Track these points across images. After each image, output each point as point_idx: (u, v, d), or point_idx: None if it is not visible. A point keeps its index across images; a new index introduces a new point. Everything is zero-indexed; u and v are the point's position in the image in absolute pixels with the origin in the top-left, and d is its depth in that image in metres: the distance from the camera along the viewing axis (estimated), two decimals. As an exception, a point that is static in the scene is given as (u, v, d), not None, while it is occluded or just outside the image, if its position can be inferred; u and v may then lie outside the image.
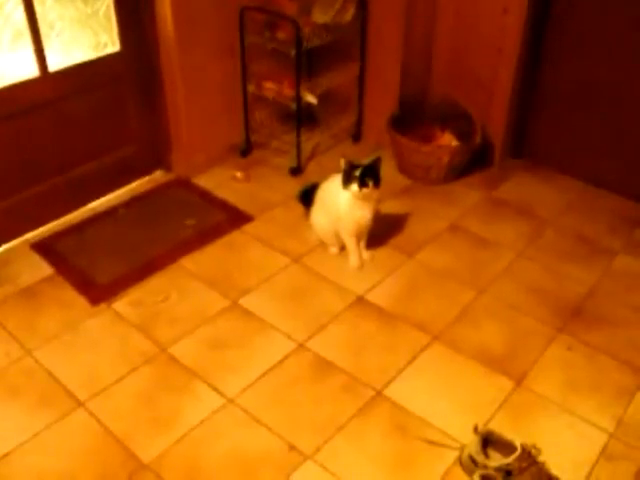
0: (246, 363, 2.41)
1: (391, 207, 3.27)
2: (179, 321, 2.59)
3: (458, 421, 2.20)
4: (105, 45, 3.11)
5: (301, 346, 2.49)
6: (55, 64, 2.89)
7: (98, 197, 3.29)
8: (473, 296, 2.75)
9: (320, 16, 3.31)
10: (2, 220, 2.94)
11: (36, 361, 2.41)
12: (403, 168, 3.53)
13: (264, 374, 2.37)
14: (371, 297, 2.73)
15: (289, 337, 2.52)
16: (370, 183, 2.64)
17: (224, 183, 3.45)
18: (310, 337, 2.52)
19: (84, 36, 3.05)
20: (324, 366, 2.41)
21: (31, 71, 2.83)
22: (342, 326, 2.59)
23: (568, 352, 2.49)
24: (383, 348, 2.49)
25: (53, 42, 2.90)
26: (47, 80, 2.88)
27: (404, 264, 2.92)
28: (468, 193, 3.43)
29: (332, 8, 3.29)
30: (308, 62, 3.56)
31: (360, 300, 2.72)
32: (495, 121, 3.53)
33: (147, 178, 3.48)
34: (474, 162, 3.54)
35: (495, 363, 2.43)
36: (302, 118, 3.45)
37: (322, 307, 2.67)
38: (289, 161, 3.55)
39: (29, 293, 2.72)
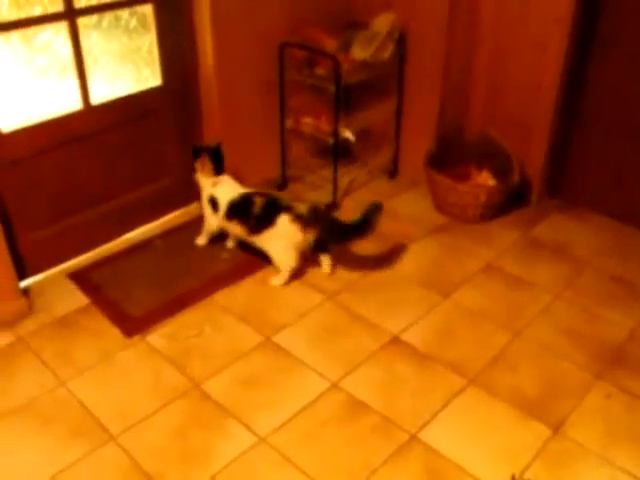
0: (279, 401, 2.39)
1: (427, 245, 3.25)
2: (212, 356, 2.58)
3: (494, 468, 2.14)
4: (147, 79, 3.16)
5: (334, 385, 2.46)
6: (98, 97, 2.94)
7: (135, 228, 3.32)
8: (509, 338, 2.70)
9: (360, 53, 3.32)
10: (40, 249, 2.97)
11: (69, 392, 2.42)
12: (439, 206, 3.51)
13: (297, 413, 2.34)
14: (406, 337, 2.69)
15: (322, 376, 2.50)
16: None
17: (259, 216, 3.45)
18: (343, 376, 2.50)
19: (127, 70, 3.11)
20: (357, 407, 2.37)
21: (75, 103, 2.88)
22: (376, 366, 2.56)
23: (608, 399, 2.43)
24: (417, 390, 2.45)
25: (97, 75, 2.96)
26: (90, 113, 2.93)
27: (439, 304, 2.88)
28: (504, 232, 3.40)
29: (372, 45, 3.31)
30: (346, 98, 3.58)
31: (394, 340, 2.68)
32: (533, 160, 3.50)
33: (183, 210, 3.50)
34: (511, 201, 3.51)
35: (532, 408, 2.38)
36: (338, 153, 3.46)
37: (356, 346, 2.64)
38: (324, 196, 3.55)
39: (64, 323, 2.74)
